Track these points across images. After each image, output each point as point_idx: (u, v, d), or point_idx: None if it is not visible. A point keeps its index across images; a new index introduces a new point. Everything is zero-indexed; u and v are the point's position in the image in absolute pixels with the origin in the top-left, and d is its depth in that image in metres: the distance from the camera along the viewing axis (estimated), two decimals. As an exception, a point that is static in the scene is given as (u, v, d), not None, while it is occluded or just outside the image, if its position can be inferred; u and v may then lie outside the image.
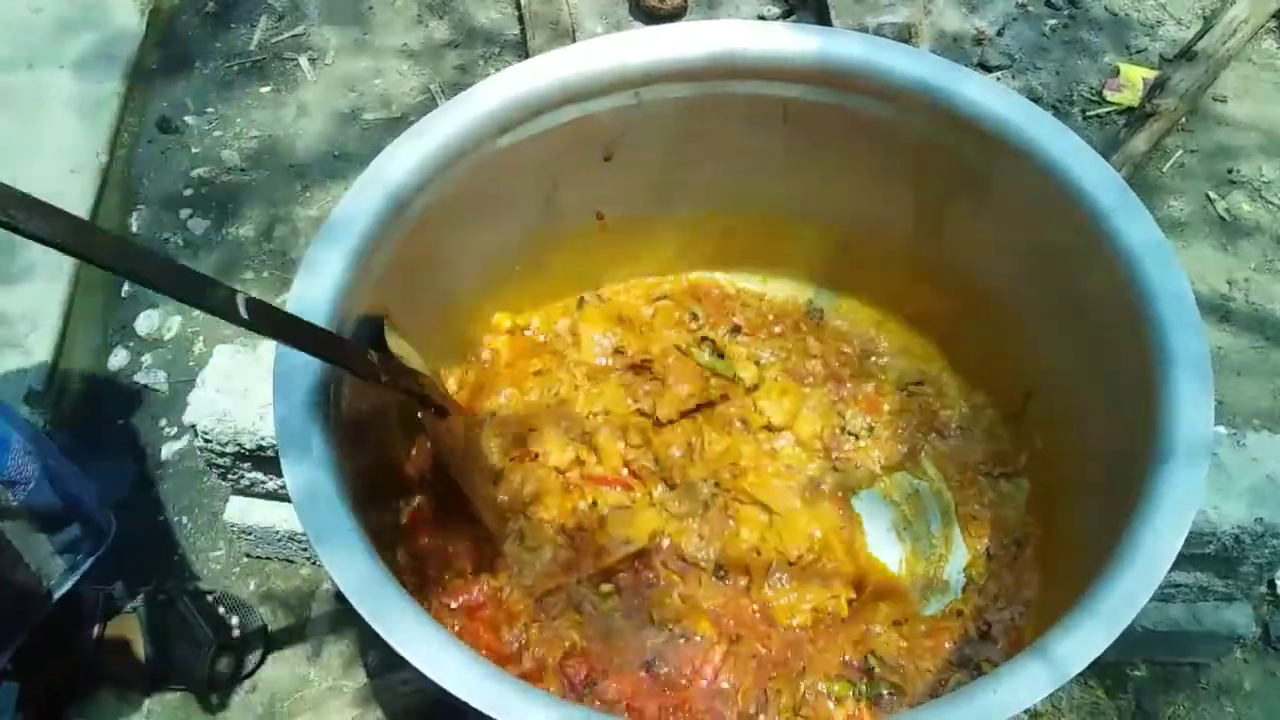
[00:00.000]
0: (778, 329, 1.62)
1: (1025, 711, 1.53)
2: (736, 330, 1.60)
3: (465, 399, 1.51)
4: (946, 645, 1.35)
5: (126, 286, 2.02)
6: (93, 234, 0.88)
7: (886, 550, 1.46)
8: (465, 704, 0.93)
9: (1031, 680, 0.94)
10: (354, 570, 1.00)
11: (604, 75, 1.35)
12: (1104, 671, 1.59)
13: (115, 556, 1.66)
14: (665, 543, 1.41)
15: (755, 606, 1.37)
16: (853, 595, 1.39)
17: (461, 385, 1.52)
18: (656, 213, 1.55)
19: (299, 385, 1.10)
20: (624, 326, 1.59)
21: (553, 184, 1.44)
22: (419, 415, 1.28)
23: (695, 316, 1.61)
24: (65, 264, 1.97)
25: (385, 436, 1.37)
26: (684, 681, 1.30)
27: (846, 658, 1.33)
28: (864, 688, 1.31)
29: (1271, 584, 1.67)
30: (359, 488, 1.10)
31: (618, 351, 1.57)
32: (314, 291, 1.16)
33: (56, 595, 1.36)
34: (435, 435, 1.33)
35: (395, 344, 1.22)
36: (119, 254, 0.86)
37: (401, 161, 1.26)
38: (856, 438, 1.52)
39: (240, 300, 0.92)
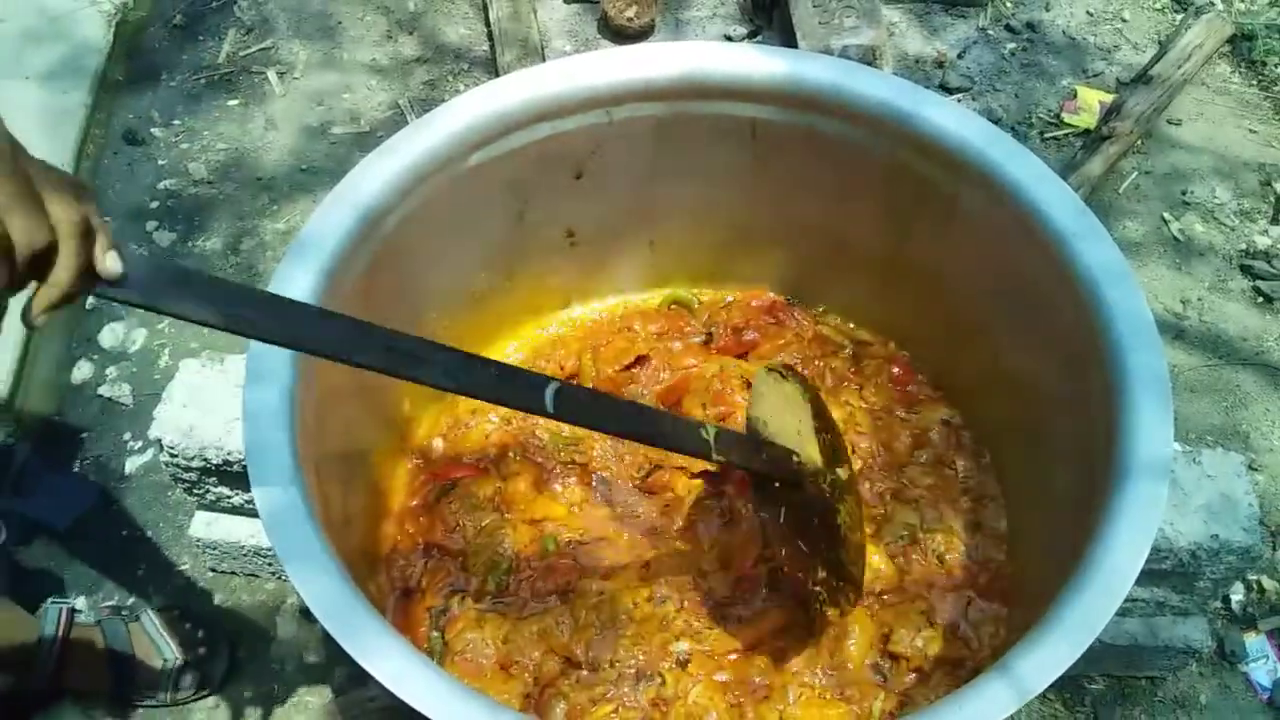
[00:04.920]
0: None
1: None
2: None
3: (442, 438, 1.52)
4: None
5: (91, 299, 2.00)
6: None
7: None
8: (433, 721, 0.93)
9: (996, 698, 0.95)
10: (323, 588, 1.00)
11: (575, 94, 1.36)
12: (1062, 685, 1.61)
13: (79, 571, 1.65)
14: None
15: None
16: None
17: (436, 426, 1.52)
18: (626, 230, 1.56)
19: (269, 401, 1.10)
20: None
21: (523, 201, 1.45)
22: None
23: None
24: (28, 276, 1.95)
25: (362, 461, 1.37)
26: None
27: None
28: None
29: (1226, 599, 1.71)
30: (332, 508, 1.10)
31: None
32: (285, 307, 1.15)
33: None
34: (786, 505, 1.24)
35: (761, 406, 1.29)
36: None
37: (372, 179, 1.27)
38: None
39: (549, 394, 0.99)
